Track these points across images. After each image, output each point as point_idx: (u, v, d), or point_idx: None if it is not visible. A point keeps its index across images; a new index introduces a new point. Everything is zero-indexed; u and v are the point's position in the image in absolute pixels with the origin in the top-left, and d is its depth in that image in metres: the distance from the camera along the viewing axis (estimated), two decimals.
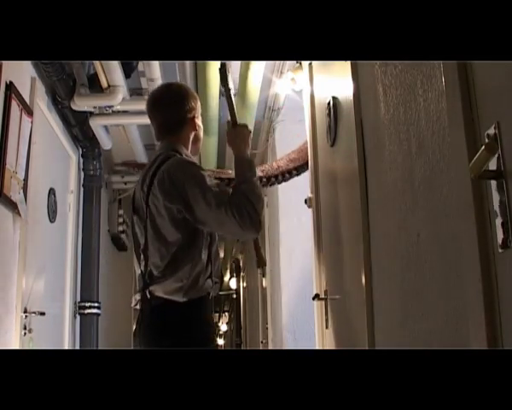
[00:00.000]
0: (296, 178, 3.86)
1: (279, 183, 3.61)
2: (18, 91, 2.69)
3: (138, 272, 1.81)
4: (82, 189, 4.13)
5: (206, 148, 4.23)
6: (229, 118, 1.94)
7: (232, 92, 1.96)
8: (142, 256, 1.77)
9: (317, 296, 2.34)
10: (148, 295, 1.71)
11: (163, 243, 1.72)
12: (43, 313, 3.03)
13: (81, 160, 4.11)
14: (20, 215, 2.73)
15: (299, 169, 3.40)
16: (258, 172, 3.27)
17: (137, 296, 1.78)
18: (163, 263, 1.71)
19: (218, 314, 16.67)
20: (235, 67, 3.34)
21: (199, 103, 1.97)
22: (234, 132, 1.89)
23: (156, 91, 2.00)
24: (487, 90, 0.91)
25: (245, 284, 8.98)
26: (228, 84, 1.91)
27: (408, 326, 1.28)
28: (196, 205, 1.66)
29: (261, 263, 2.02)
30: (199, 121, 1.94)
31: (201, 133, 1.98)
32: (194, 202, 1.66)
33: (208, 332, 1.76)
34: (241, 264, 9.58)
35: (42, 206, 3.34)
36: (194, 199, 1.66)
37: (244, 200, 1.65)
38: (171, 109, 1.89)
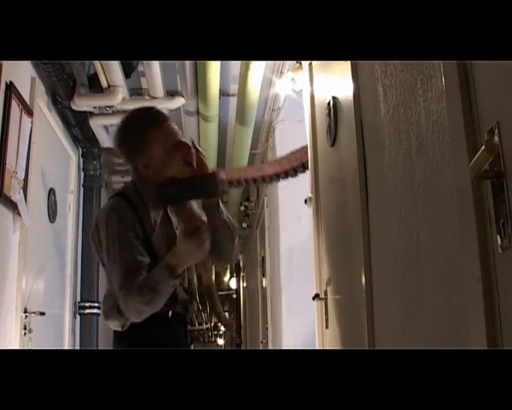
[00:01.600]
0: (296, 178, 3.86)
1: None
2: (18, 91, 2.69)
3: None
4: (82, 189, 4.14)
5: (206, 148, 4.23)
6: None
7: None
8: None
9: (317, 296, 2.34)
10: None
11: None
12: (43, 313, 3.03)
13: (81, 160, 4.12)
14: (20, 215, 2.73)
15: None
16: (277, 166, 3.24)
17: None
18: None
19: None
20: (235, 67, 3.35)
21: (149, 139, 1.65)
22: (188, 242, 1.60)
23: (116, 136, 1.76)
24: (487, 90, 0.91)
25: (245, 284, 8.98)
26: None
27: (408, 326, 1.28)
28: (106, 270, 1.67)
29: (227, 326, 1.89)
30: (150, 158, 1.64)
31: (162, 165, 1.65)
32: (106, 265, 1.66)
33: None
34: (241, 264, 9.58)
35: (42, 206, 3.34)
36: (106, 265, 1.66)
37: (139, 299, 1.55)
38: (125, 159, 1.76)
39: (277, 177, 3.34)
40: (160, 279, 1.56)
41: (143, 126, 1.69)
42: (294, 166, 3.24)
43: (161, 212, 1.70)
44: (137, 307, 1.56)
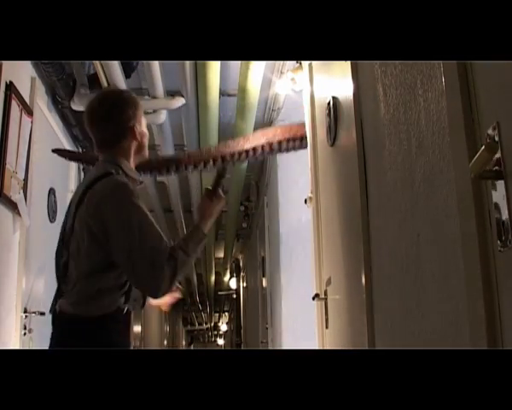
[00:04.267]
0: (296, 178, 3.86)
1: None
2: (18, 91, 2.69)
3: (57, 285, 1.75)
4: None
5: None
6: (210, 186, 1.86)
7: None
8: (62, 269, 1.70)
9: (317, 296, 2.34)
10: (58, 309, 1.68)
11: (81, 259, 1.65)
12: (43, 313, 3.03)
13: None
14: (20, 215, 2.73)
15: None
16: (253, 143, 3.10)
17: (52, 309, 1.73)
18: (77, 278, 1.65)
19: (218, 314, 16.70)
20: (235, 67, 3.35)
21: (140, 108, 1.84)
22: (209, 203, 1.82)
23: (90, 103, 1.83)
24: (487, 90, 0.91)
25: (245, 284, 8.99)
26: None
27: (408, 326, 1.28)
28: (117, 247, 1.60)
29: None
30: (141, 128, 1.81)
31: (146, 140, 1.85)
32: (115, 243, 1.60)
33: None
34: (241, 264, 9.59)
35: (42, 206, 3.34)
36: (116, 240, 1.60)
37: (174, 268, 1.60)
38: (107, 122, 1.76)
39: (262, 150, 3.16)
40: (198, 241, 1.74)
41: (136, 99, 1.86)
42: (284, 138, 3.10)
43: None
44: (180, 273, 1.63)
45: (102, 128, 1.77)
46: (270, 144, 3.09)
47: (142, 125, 1.82)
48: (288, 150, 3.10)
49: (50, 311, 1.73)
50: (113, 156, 1.75)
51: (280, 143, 3.04)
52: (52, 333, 1.73)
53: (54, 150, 3.39)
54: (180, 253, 1.63)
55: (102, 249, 1.63)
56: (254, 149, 3.08)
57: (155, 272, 1.58)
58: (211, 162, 3.09)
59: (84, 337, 1.61)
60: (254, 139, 3.10)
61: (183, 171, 3.01)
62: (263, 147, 3.07)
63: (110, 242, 1.61)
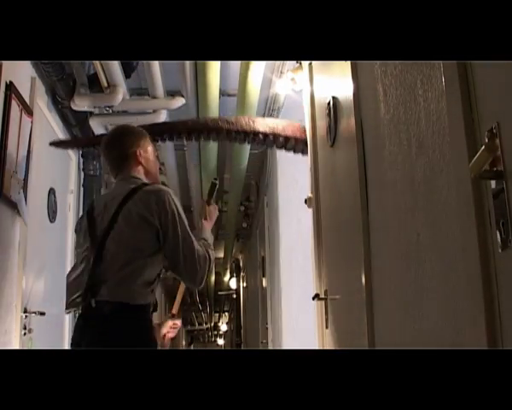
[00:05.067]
0: (296, 178, 3.86)
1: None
2: (18, 91, 2.69)
3: (73, 277, 1.90)
4: (82, 189, 4.14)
5: (206, 149, 4.24)
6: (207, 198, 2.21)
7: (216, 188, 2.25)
8: (85, 263, 1.86)
9: (317, 296, 2.34)
10: (94, 303, 1.76)
11: (128, 251, 1.82)
12: (43, 313, 3.03)
13: (81, 160, 4.11)
14: (20, 215, 2.73)
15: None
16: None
17: (78, 302, 1.81)
18: (122, 268, 1.79)
19: (218, 314, 16.69)
20: (235, 67, 3.35)
21: (144, 139, 2.08)
22: (209, 210, 2.15)
23: (107, 135, 2.21)
24: (487, 90, 0.91)
25: (245, 284, 8.99)
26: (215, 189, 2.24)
27: (408, 326, 1.28)
28: (169, 242, 1.83)
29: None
30: (147, 155, 2.05)
31: (152, 166, 2.08)
32: (170, 237, 1.83)
33: (151, 336, 1.84)
34: (241, 264, 9.59)
35: (42, 206, 3.34)
36: (172, 236, 1.83)
37: (201, 260, 1.87)
38: (116, 147, 2.04)
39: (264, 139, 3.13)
40: (210, 238, 2.04)
41: (129, 129, 2.16)
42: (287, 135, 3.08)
43: None
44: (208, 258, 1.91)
45: (112, 152, 2.05)
46: (277, 136, 3.07)
47: (149, 153, 2.06)
48: (290, 149, 3.09)
49: (82, 309, 1.81)
50: (131, 175, 2.00)
51: (287, 138, 3.04)
52: (83, 328, 1.79)
53: (52, 143, 3.40)
54: (210, 252, 1.93)
55: (153, 240, 1.83)
56: (259, 134, 3.08)
57: (198, 267, 1.85)
58: (214, 134, 3.14)
59: (129, 321, 1.76)
60: (260, 125, 3.09)
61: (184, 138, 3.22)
62: (267, 135, 3.08)
63: (165, 233, 1.83)
